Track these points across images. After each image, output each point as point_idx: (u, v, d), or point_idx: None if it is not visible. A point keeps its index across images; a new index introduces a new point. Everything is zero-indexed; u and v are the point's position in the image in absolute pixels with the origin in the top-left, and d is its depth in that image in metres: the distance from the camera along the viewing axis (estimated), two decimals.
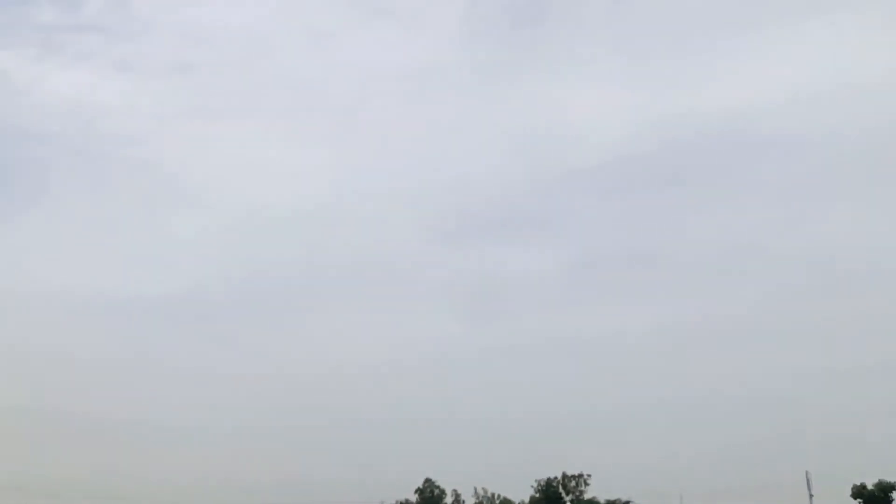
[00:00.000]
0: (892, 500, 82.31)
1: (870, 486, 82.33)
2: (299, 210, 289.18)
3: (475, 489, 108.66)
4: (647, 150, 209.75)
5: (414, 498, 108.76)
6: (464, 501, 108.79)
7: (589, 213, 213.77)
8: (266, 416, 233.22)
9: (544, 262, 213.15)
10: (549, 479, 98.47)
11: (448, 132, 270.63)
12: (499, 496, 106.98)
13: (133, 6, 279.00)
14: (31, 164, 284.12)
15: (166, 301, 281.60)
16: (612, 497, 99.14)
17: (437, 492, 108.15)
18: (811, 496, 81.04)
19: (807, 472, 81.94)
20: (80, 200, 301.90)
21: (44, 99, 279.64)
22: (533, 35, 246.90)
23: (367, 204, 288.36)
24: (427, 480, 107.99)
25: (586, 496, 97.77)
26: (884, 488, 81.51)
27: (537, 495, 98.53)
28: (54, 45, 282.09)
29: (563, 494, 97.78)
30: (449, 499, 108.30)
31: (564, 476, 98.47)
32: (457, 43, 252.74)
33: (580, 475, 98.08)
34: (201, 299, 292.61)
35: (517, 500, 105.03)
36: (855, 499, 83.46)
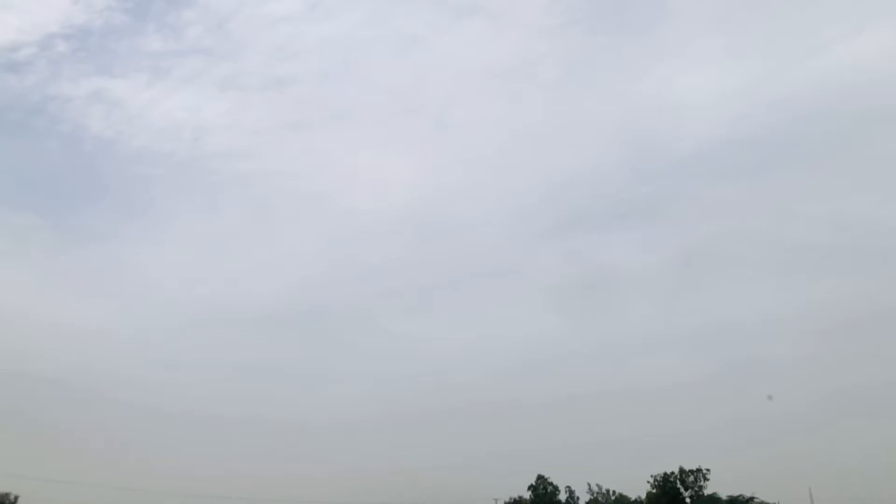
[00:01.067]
0: None
1: None
2: (398, 214, 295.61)
3: (589, 485, 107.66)
4: (754, 132, 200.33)
5: (527, 495, 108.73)
6: (578, 498, 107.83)
7: (697, 199, 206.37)
8: (376, 415, 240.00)
9: (651, 252, 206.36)
10: (665, 474, 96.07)
11: (542, 127, 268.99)
12: (614, 492, 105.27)
13: (230, 28, 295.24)
14: (147, 182, 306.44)
15: (276, 307, 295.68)
16: (734, 493, 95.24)
17: (550, 489, 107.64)
18: None
19: None
20: (191, 214, 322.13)
21: (155, 121, 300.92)
22: (620, 21, 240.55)
23: (464, 204, 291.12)
24: (539, 477, 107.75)
25: (706, 492, 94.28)
26: None
27: (654, 491, 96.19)
28: (162, 70, 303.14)
29: (682, 490, 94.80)
30: (563, 495, 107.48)
31: (682, 471, 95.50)
32: (543, 36, 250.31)
33: (698, 470, 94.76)
34: (308, 304, 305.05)
35: (633, 497, 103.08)
36: None
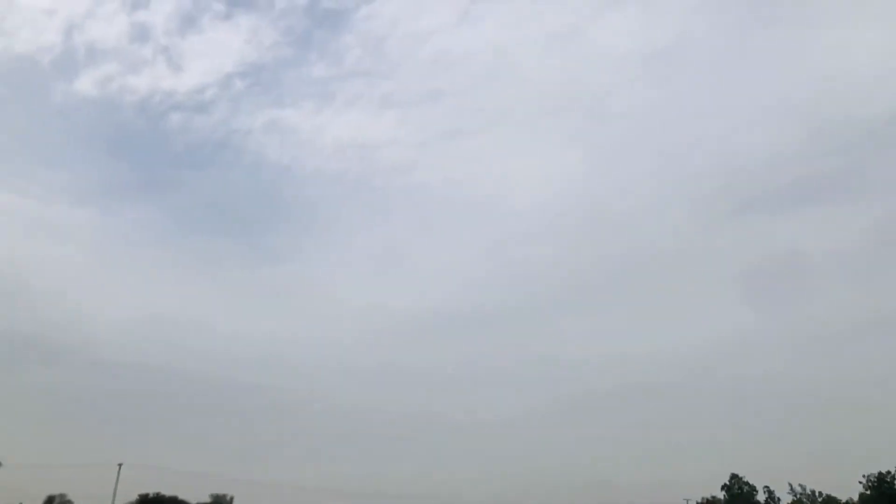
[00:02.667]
0: None
1: None
2: (560, 212, 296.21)
3: (790, 485, 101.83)
4: None
5: (721, 495, 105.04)
6: (779, 499, 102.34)
7: (890, 169, 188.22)
8: (545, 410, 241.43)
9: (843, 231, 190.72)
10: (881, 473, 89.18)
11: (707, 109, 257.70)
12: (820, 493, 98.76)
13: (386, 47, 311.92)
14: (322, 201, 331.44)
15: (444, 311, 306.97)
16: None
17: (745, 488, 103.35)
18: None
19: None
20: (363, 228, 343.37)
21: (325, 144, 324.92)
22: None
23: (628, 196, 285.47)
24: (734, 476, 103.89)
25: None
26: None
27: (869, 492, 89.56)
28: (327, 95, 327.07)
29: None
30: (761, 496, 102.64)
31: None
32: (699, 14, 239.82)
33: None
34: (474, 306, 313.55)
35: (844, 499, 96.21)
36: None
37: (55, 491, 53.95)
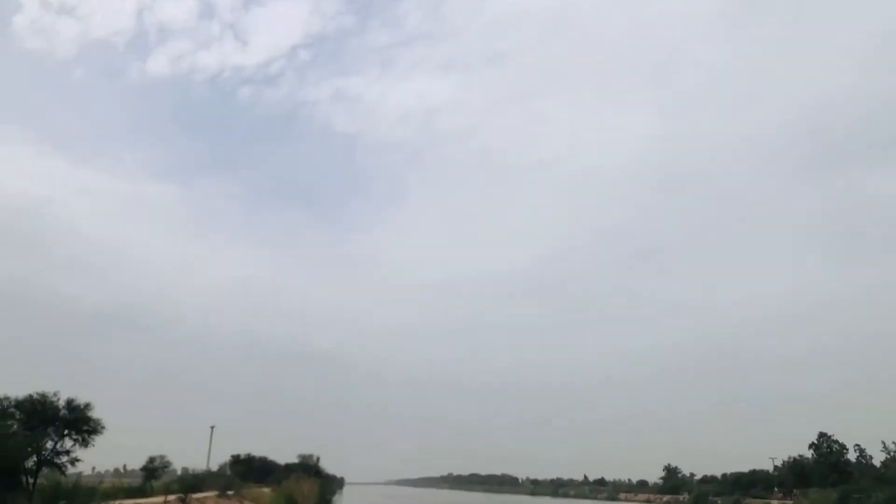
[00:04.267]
0: None
1: None
2: (630, 169, 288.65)
3: (884, 444, 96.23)
4: None
5: (808, 454, 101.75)
6: (871, 457, 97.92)
7: None
8: (626, 372, 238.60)
9: None
10: None
11: (780, 60, 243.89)
12: None
13: (444, 12, 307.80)
14: (388, 169, 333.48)
15: (516, 275, 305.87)
16: None
17: (835, 447, 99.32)
18: None
19: None
20: (430, 196, 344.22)
21: (390, 111, 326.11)
22: None
23: (701, 150, 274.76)
24: (822, 435, 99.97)
25: None
26: None
27: None
28: (389, 61, 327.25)
29: None
30: (852, 455, 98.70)
31: None
32: None
33: None
34: (551, 268, 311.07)
35: None
36: None
37: (155, 452, 57.27)
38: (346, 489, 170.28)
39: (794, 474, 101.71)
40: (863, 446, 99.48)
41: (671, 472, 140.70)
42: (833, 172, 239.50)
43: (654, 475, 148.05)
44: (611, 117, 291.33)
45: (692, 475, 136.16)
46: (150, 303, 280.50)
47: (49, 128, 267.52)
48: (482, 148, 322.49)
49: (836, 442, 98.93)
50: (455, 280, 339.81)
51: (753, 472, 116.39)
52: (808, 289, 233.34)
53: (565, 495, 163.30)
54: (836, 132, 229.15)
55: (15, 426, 35.68)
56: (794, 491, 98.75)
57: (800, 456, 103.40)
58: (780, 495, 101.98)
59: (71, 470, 38.73)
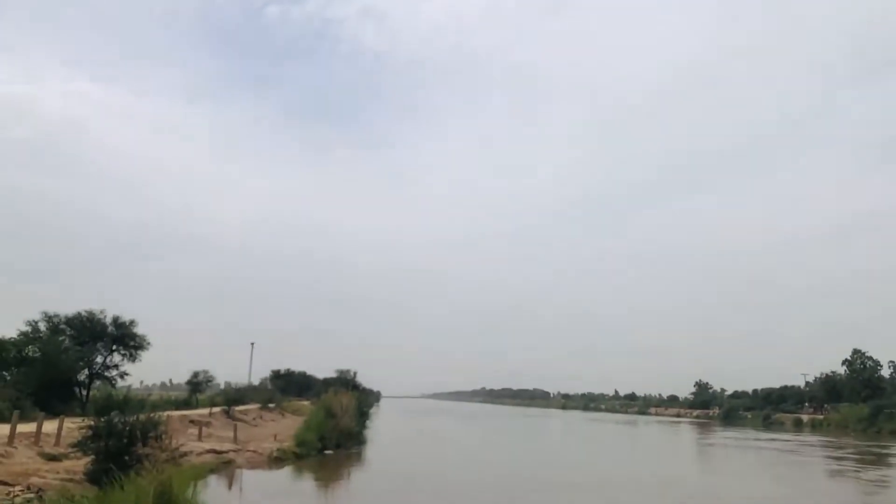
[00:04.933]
0: None
1: None
2: (668, 83, 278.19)
3: None
4: None
5: (841, 371, 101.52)
6: None
7: None
8: (658, 295, 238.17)
9: None
10: None
11: None
12: None
13: None
14: (419, 86, 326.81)
15: (545, 194, 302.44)
16: None
17: (868, 364, 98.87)
18: None
19: None
20: (460, 114, 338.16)
21: (419, 27, 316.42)
22: None
23: (742, 62, 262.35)
24: (856, 352, 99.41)
25: None
26: None
27: None
28: None
29: None
30: (885, 371, 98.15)
31: None
32: None
33: None
34: (580, 189, 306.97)
35: None
36: None
37: (198, 367, 59.59)
38: (382, 402, 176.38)
39: (826, 390, 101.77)
40: None
41: (702, 387, 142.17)
42: (887, 80, 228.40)
43: (686, 391, 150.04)
44: (645, 26, 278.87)
45: (723, 390, 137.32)
46: (188, 222, 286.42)
47: (78, 49, 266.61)
48: (514, 63, 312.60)
49: (870, 358, 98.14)
50: (490, 197, 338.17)
51: (784, 388, 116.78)
52: (852, 206, 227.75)
53: (596, 409, 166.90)
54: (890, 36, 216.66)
55: (66, 342, 37.29)
56: (825, 406, 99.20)
57: (832, 372, 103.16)
58: (811, 410, 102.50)
59: (120, 383, 40.64)
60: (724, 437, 62.48)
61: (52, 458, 19.05)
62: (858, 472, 32.68)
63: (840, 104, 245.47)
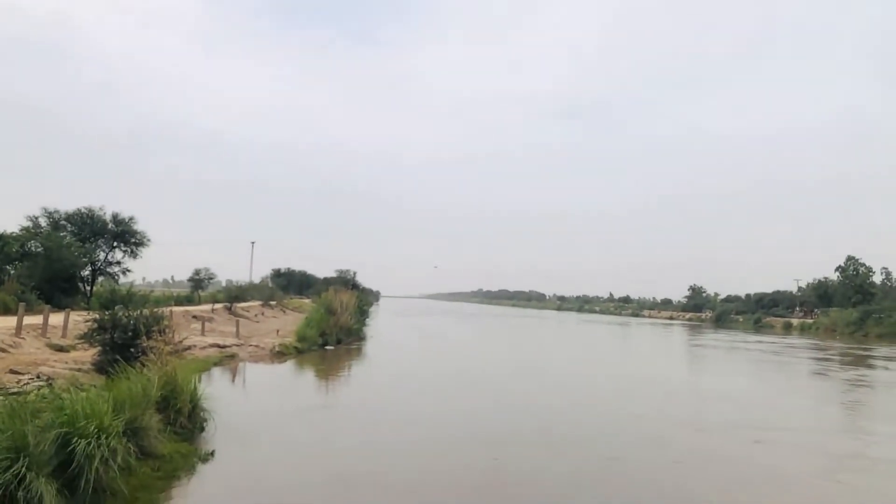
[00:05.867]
0: None
1: None
2: None
3: None
4: None
5: (834, 277, 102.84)
6: None
7: None
8: (658, 200, 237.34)
9: None
10: None
11: None
12: None
13: None
14: None
15: (552, 95, 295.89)
16: None
17: (861, 270, 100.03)
18: None
19: None
20: (457, 9, 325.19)
21: None
22: None
23: None
24: (850, 258, 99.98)
25: None
26: None
27: None
28: None
29: None
30: (877, 278, 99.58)
31: None
32: None
33: None
34: (586, 93, 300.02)
35: None
36: None
37: (200, 265, 60.52)
38: (381, 301, 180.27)
39: (818, 295, 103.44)
40: (890, 269, 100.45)
41: (696, 290, 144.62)
42: None
43: (679, 295, 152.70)
44: None
45: (716, 294, 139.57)
46: (186, 119, 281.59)
47: None
48: None
49: (863, 265, 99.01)
50: (490, 99, 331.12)
51: (777, 293, 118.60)
52: (850, 111, 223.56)
53: (591, 311, 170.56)
54: None
55: (68, 237, 37.74)
56: (815, 310, 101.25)
57: (825, 278, 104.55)
58: (801, 314, 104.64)
59: (122, 279, 41.46)
60: (713, 338, 64.30)
61: (60, 349, 19.78)
62: (837, 372, 33.95)
63: (853, 15, 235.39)
